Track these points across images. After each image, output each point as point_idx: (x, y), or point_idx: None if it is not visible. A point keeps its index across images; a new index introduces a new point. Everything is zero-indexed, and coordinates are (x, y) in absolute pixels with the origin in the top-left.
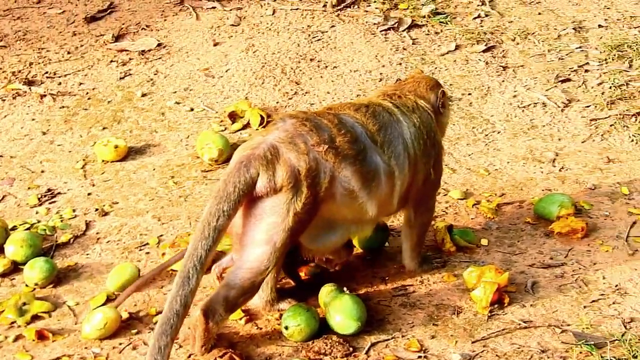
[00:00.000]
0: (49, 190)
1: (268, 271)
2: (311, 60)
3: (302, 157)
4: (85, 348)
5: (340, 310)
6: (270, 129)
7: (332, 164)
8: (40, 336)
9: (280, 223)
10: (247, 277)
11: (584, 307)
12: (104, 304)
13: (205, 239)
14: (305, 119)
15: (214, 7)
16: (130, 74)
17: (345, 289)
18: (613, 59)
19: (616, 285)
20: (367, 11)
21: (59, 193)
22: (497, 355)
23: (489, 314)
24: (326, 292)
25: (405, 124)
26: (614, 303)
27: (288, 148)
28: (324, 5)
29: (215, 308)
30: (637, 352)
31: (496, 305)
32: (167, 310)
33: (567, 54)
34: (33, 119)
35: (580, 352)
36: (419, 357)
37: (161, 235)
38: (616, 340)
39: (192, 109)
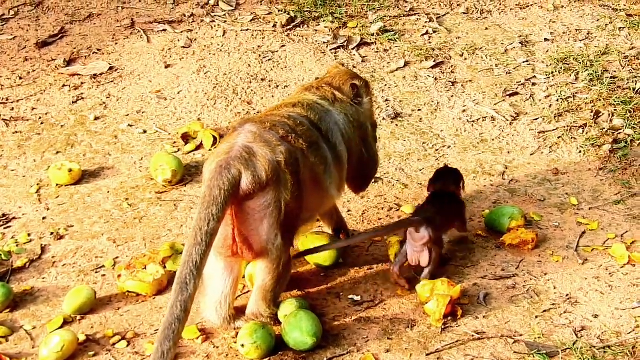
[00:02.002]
0: (3, 215)
1: (289, 265)
2: (262, 80)
3: (277, 149)
4: None
5: (296, 326)
6: (233, 135)
7: (302, 151)
8: None
9: (278, 216)
10: (276, 281)
11: (536, 317)
12: (60, 327)
13: (199, 244)
14: (260, 120)
15: (164, 30)
16: (82, 98)
17: (300, 305)
18: (559, 72)
19: (567, 295)
20: (316, 30)
21: (14, 218)
22: None
23: (443, 327)
24: (285, 307)
25: (334, 113)
26: (565, 312)
27: (261, 145)
28: (274, 26)
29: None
30: None
31: (449, 318)
32: (169, 316)
33: (514, 68)
34: None
35: None
36: None
37: (117, 257)
38: (568, 349)
39: (145, 131)
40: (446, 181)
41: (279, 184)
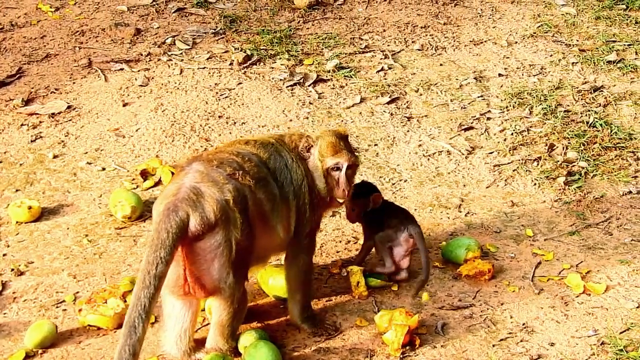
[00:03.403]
0: None
1: (244, 300)
2: (220, 117)
3: (224, 187)
4: None
5: (256, 357)
6: (180, 175)
7: (250, 187)
8: None
9: (229, 255)
10: (231, 316)
11: (493, 345)
12: None
13: (147, 287)
14: (207, 158)
15: (122, 69)
16: (41, 137)
17: (260, 335)
18: (514, 107)
19: (523, 324)
20: (273, 67)
21: None
22: None
23: (401, 356)
24: (246, 338)
25: (286, 157)
26: (521, 341)
27: (208, 185)
28: (231, 64)
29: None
30: None
31: (408, 347)
32: None
33: (469, 103)
34: None
35: None
36: None
37: (77, 292)
38: None
39: (104, 169)
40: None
41: (228, 223)
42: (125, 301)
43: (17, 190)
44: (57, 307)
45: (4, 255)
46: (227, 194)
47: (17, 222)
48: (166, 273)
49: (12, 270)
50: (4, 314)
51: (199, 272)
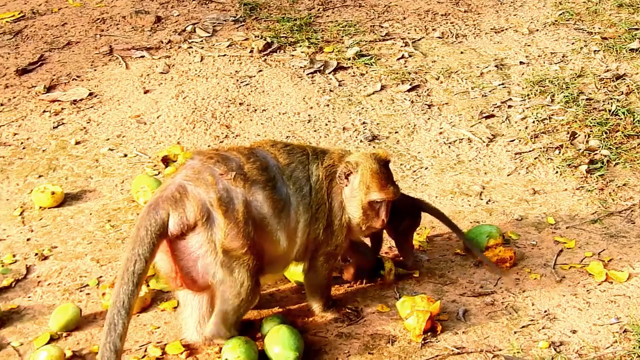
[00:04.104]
0: None
1: (248, 298)
2: (240, 104)
3: (210, 188)
4: None
5: (278, 341)
6: (180, 169)
7: (242, 189)
8: None
9: (215, 256)
10: (234, 308)
11: (515, 332)
12: (47, 344)
13: (126, 284)
14: (212, 153)
15: (142, 56)
16: (63, 123)
17: (282, 320)
18: (535, 95)
19: (545, 311)
20: (293, 55)
21: None
22: None
23: (423, 342)
24: (268, 323)
25: (311, 171)
26: (543, 328)
27: (196, 184)
28: (251, 51)
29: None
30: None
31: (429, 333)
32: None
33: (490, 91)
34: None
35: None
36: None
37: (100, 277)
38: None
39: (125, 155)
40: None
41: (211, 224)
42: (148, 285)
43: (40, 176)
44: (80, 291)
45: (28, 239)
46: (212, 195)
47: (40, 208)
48: (146, 270)
49: (36, 254)
50: (29, 297)
51: (187, 268)
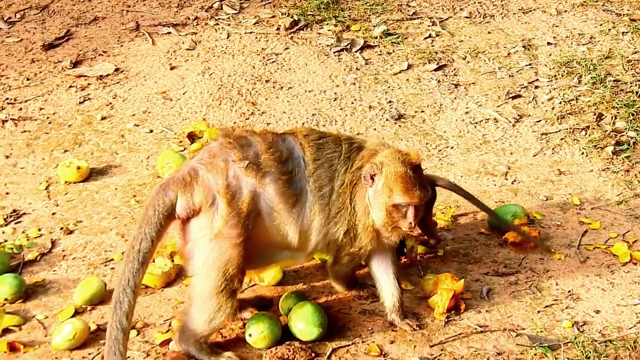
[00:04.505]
0: (14, 211)
1: (223, 296)
2: (267, 81)
3: (220, 175)
4: (56, 358)
5: (302, 317)
6: (201, 150)
7: (254, 180)
8: (12, 348)
9: (212, 244)
10: (203, 307)
11: (538, 312)
12: (72, 317)
13: (131, 262)
14: (235, 137)
15: (169, 33)
16: (89, 99)
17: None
18: (562, 75)
19: (569, 291)
20: (319, 33)
21: (24, 213)
22: (454, 358)
23: (446, 320)
24: (288, 300)
25: (338, 169)
26: (567, 308)
27: (208, 168)
28: (278, 29)
29: (188, 340)
30: (590, 353)
31: (453, 312)
32: (107, 339)
33: (517, 71)
34: None
35: (535, 354)
36: None
37: (125, 251)
38: (570, 342)
39: (151, 131)
40: None
41: (214, 211)
42: (172, 261)
43: (65, 151)
44: (105, 265)
45: (54, 214)
46: (220, 181)
47: (66, 182)
48: (152, 250)
49: (62, 229)
50: (54, 271)
51: (188, 251)
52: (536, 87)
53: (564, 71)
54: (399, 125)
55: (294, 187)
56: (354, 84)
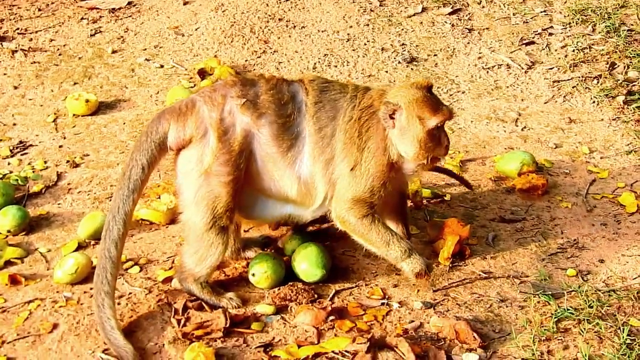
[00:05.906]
0: (20, 142)
1: (212, 232)
2: (280, 20)
3: (215, 108)
4: (57, 292)
5: (306, 258)
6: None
7: (249, 119)
8: (13, 280)
9: (201, 179)
10: (195, 245)
11: (543, 259)
12: (75, 251)
13: (121, 189)
14: (240, 77)
15: None
16: (100, 31)
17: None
18: (577, 23)
19: (574, 240)
20: None
21: (30, 145)
22: (457, 304)
23: (451, 265)
24: (292, 241)
25: (346, 112)
26: (571, 256)
27: (205, 101)
28: None
29: (187, 279)
30: (593, 302)
31: (457, 257)
32: (97, 269)
33: (531, 18)
34: (5, 74)
35: (538, 302)
36: (382, 304)
37: None
38: (573, 291)
39: (161, 66)
40: None
41: (204, 144)
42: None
43: (75, 84)
44: (110, 200)
45: (60, 146)
46: (214, 114)
47: (74, 115)
48: (143, 178)
49: (68, 162)
50: (59, 204)
51: (179, 184)
52: (550, 34)
53: (578, 19)
54: (411, 69)
55: (290, 132)
56: (368, 25)
